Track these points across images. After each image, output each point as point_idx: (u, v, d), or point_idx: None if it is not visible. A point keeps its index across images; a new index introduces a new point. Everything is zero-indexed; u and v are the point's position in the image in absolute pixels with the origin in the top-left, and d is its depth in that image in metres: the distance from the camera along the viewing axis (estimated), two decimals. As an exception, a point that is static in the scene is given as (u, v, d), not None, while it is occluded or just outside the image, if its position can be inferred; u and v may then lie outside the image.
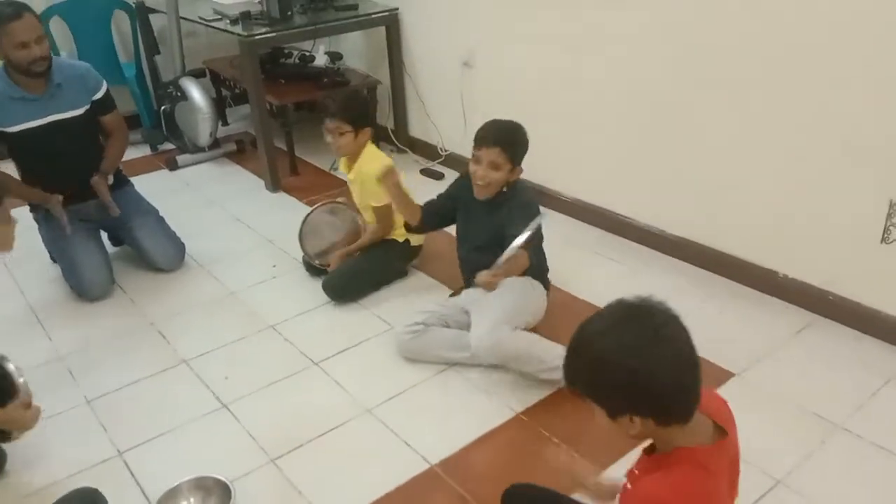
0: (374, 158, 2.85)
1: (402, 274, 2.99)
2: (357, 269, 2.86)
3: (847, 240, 2.42)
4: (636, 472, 1.31)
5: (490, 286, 2.24)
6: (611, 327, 1.17)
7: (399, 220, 2.84)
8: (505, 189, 2.38)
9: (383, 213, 2.85)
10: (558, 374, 2.22)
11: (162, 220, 3.14)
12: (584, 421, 2.15)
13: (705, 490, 1.20)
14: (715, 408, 1.28)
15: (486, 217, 2.42)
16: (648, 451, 1.30)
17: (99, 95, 2.91)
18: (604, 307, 1.22)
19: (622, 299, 1.20)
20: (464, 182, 2.48)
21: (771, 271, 2.67)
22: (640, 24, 2.77)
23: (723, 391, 2.18)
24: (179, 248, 3.14)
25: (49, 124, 2.80)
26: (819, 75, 2.32)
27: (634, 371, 1.13)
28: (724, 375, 2.29)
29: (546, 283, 2.52)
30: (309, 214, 2.99)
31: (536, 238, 2.30)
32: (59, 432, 2.24)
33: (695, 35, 2.61)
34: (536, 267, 2.40)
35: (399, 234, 2.90)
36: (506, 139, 2.31)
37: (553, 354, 2.25)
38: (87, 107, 2.88)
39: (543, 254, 2.51)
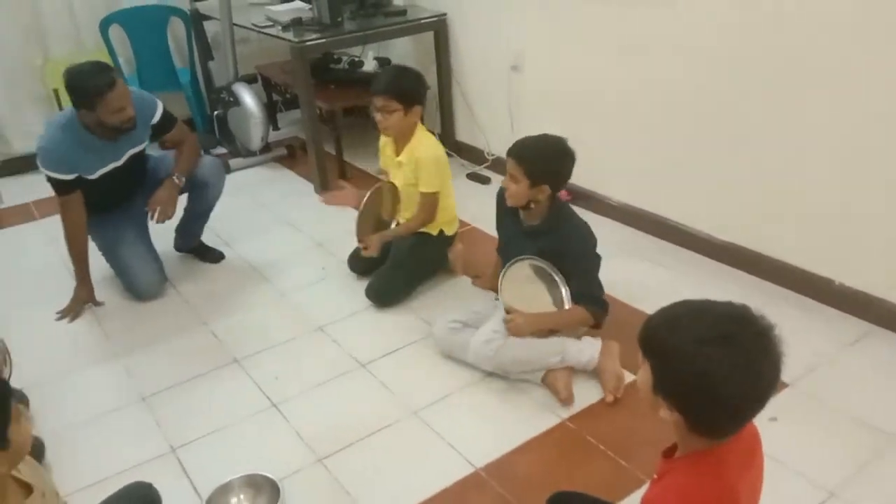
0: (429, 142, 2.78)
1: (442, 265, 2.97)
2: (396, 273, 2.85)
3: (906, 247, 2.36)
4: (655, 476, 1.30)
5: (517, 330, 2.26)
6: (717, 332, 1.12)
7: (444, 213, 2.85)
8: (533, 206, 2.34)
9: (429, 202, 2.78)
10: (557, 359, 2.26)
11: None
12: (630, 429, 2.14)
13: (713, 495, 1.18)
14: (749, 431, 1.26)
15: (529, 241, 2.41)
16: (667, 454, 1.29)
17: (156, 120, 2.91)
18: (716, 304, 1.18)
19: (734, 305, 1.17)
20: (502, 193, 2.49)
21: (826, 279, 2.61)
22: (693, 26, 2.74)
23: (776, 401, 2.15)
24: (218, 161, 3.19)
25: (128, 160, 2.88)
26: (879, 77, 2.26)
27: (713, 382, 1.11)
28: (778, 385, 2.24)
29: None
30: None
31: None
32: (115, 428, 2.32)
33: (748, 37, 2.57)
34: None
35: (433, 227, 2.86)
36: (521, 153, 2.30)
37: (550, 351, 2.27)
38: (150, 134, 2.94)
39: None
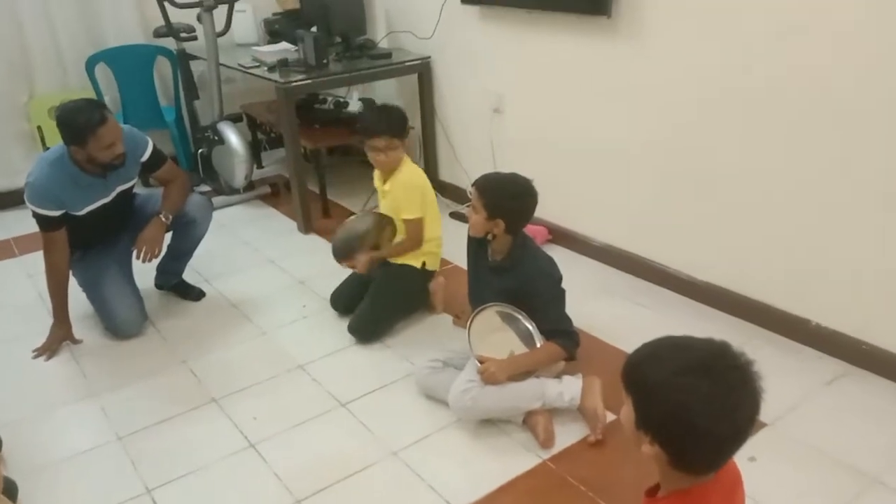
0: (412, 171, 2.88)
1: (424, 301, 3.00)
2: (377, 306, 2.86)
3: (881, 288, 2.39)
4: None
5: (492, 379, 2.26)
6: (695, 364, 1.15)
7: (429, 244, 2.89)
8: (490, 238, 2.39)
9: (414, 228, 2.86)
10: (538, 404, 2.27)
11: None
12: (611, 470, 2.13)
13: None
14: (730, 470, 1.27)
15: (495, 278, 2.45)
16: (650, 493, 1.29)
17: (145, 157, 2.92)
18: (696, 339, 1.20)
19: (714, 341, 1.19)
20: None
21: (803, 319, 2.64)
22: (669, 72, 2.80)
23: (754, 441, 2.16)
24: (205, 199, 3.20)
25: (116, 196, 2.88)
26: (852, 122, 2.32)
27: (689, 412, 1.12)
28: (756, 425, 2.24)
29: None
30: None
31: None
32: (90, 468, 2.28)
33: (725, 81, 2.63)
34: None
35: (416, 259, 2.90)
36: (484, 185, 2.37)
37: (529, 396, 2.27)
38: (139, 171, 2.96)
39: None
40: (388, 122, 2.82)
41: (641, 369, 1.20)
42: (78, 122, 2.59)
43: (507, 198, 2.34)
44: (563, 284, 2.43)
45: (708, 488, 1.21)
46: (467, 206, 2.89)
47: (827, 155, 2.41)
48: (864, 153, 2.31)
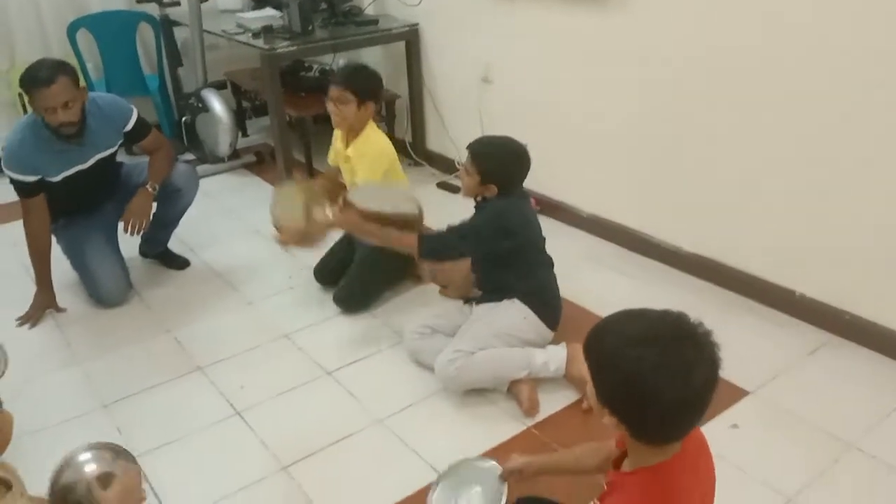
0: (376, 137, 2.81)
1: (409, 268, 2.93)
2: (364, 277, 2.84)
3: (864, 260, 2.41)
4: (605, 487, 1.32)
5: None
6: (644, 334, 1.16)
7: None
8: (480, 199, 2.38)
9: None
10: (524, 374, 2.28)
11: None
12: (594, 436, 2.15)
13: None
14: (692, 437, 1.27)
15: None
16: (616, 464, 1.31)
17: (129, 127, 2.88)
18: (651, 311, 1.21)
19: (670, 312, 1.20)
20: None
21: (787, 290, 2.65)
22: (660, 42, 2.78)
23: (737, 409, 2.20)
24: (191, 168, 3.20)
25: (95, 164, 2.84)
26: (845, 92, 2.32)
27: (637, 382, 1.13)
28: (739, 393, 2.28)
29: (547, 310, 2.42)
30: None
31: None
32: (75, 436, 2.26)
33: (715, 53, 2.62)
34: (527, 290, 2.38)
35: None
36: (477, 149, 2.34)
37: (515, 366, 2.28)
38: (121, 140, 2.92)
39: (542, 277, 2.46)
40: (347, 74, 2.80)
41: (596, 342, 1.22)
42: (26, 77, 2.56)
43: (501, 163, 2.32)
44: (551, 254, 2.46)
45: (674, 465, 1.20)
46: (455, 176, 2.87)
47: (817, 126, 2.41)
48: (856, 124, 2.31)
